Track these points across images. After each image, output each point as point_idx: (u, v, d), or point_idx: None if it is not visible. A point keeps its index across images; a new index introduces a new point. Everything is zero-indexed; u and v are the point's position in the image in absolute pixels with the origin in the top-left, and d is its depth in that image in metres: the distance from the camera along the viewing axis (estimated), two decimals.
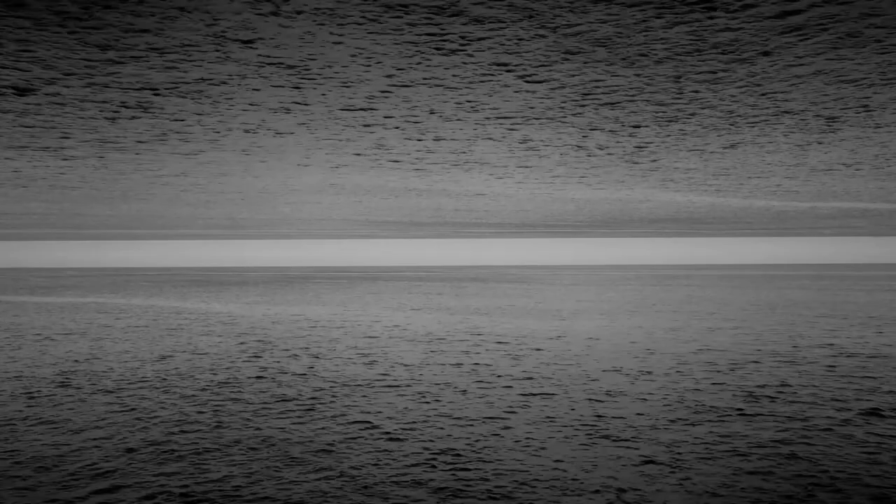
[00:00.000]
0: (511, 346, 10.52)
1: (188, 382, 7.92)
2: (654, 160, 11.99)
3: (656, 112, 7.88)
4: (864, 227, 37.22)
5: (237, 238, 52.54)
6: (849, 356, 9.52)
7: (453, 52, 5.39)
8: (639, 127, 8.84)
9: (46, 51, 5.24)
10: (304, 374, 8.37)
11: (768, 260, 49.08)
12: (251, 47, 5.22)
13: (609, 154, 11.22)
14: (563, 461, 5.11)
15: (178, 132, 9.10)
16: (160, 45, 5.12)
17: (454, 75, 6.16)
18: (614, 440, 5.63)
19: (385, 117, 8.18)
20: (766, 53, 5.43)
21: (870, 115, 8.11)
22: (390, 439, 5.67)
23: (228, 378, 8.16)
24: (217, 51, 5.30)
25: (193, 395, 7.25)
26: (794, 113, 7.96)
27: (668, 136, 9.53)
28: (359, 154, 11.21)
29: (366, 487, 4.57)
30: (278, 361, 9.29)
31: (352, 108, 7.60)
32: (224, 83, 6.40)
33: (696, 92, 6.84)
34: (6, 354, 9.99)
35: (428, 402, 6.93)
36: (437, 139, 9.77)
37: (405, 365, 9.00)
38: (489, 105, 7.48)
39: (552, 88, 6.68)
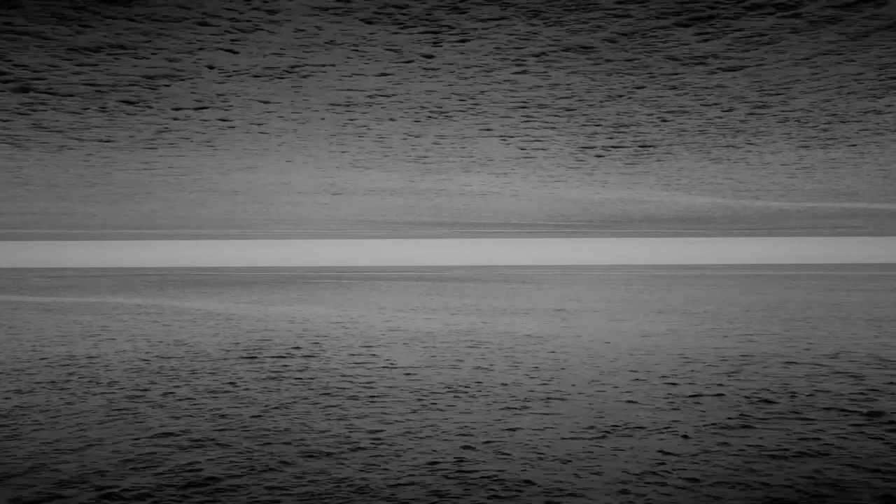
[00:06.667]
0: (511, 347, 10.50)
1: (187, 383, 7.91)
2: (655, 160, 11.97)
3: (657, 112, 7.86)
4: (864, 227, 37.21)
5: (237, 238, 52.52)
6: (849, 357, 9.51)
7: (453, 51, 5.38)
8: (639, 127, 8.82)
9: (44, 49, 5.22)
10: (304, 375, 8.36)
11: (768, 260, 49.05)
12: (250, 45, 5.21)
13: (610, 154, 11.21)
14: (563, 462, 5.10)
15: (176, 132, 9.08)
16: (159, 44, 5.10)
17: (454, 75, 6.15)
18: (615, 441, 5.62)
19: (384, 117, 8.16)
20: (767, 52, 5.42)
21: (870, 115, 8.10)
22: (390, 441, 5.65)
23: (227, 379, 8.14)
24: (215, 50, 5.29)
25: (192, 396, 7.24)
26: (794, 112, 7.95)
27: (669, 135, 9.52)
28: (359, 154, 11.20)
29: (365, 488, 4.56)
30: (277, 362, 9.27)
31: (351, 107, 7.59)
32: (222, 82, 6.39)
33: (697, 92, 6.82)
34: (6, 354, 9.97)
35: (428, 403, 6.92)
36: (437, 139, 9.76)
37: (405, 365, 8.99)
38: (490, 105, 7.47)
39: (553, 88, 6.67)
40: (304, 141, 9.89)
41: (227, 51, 5.31)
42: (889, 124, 8.67)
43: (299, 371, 8.59)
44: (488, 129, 8.99)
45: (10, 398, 7.18)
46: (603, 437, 5.74)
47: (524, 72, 6.03)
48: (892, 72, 6.04)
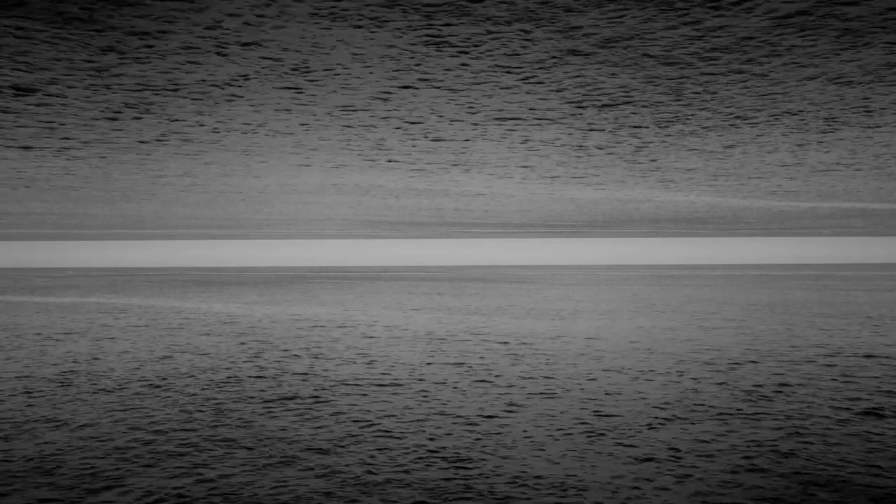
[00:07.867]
0: (511, 346, 10.52)
1: (188, 382, 7.93)
2: (654, 160, 11.99)
3: (656, 112, 7.88)
4: (864, 227, 37.22)
5: (237, 238, 52.53)
6: (848, 356, 9.53)
7: (453, 52, 5.40)
8: (639, 127, 8.84)
9: (47, 51, 5.24)
10: (304, 374, 8.38)
11: (768, 260, 49.04)
12: (251, 48, 5.23)
13: (609, 154, 11.22)
14: (563, 461, 5.12)
15: (178, 132, 9.10)
16: (160, 45, 5.12)
17: (454, 76, 6.17)
18: (614, 439, 5.64)
19: (385, 117, 8.18)
20: (765, 53, 5.44)
21: (870, 115, 8.12)
22: (390, 439, 5.68)
23: (228, 378, 8.16)
24: (217, 51, 5.31)
25: (194, 395, 7.26)
26: (793, 113, 7.97)
27: (668, 136, 9.54)
28: (359, 154, 11.22)
29: (366, 487, 4.58)
30: (278, 361, 9.29)
31: (352, 108, 7.61)
32: (224, 83, 6.41)
33: (696, 92, 6.84)
34: (6, 354, 9.99)
35: (428, 402, 6.94)
36: (436, 139, 9.78)
37: (405, 365, 9.01)
38: (489, 105, 7.49)
39: (552, 89, 6.69)
40: (305, 142, 9.91)
41: (228, 54, 5.33)
42: (889, 124, 8.70)
43: (299, 370, 8.62)
44: (488, 130, 9.02)
45: (11, 397, 7.20)
46: (602, 434, 5.76)
47: (524, 73, 6.05)
48: (892, 72, 6.06)
